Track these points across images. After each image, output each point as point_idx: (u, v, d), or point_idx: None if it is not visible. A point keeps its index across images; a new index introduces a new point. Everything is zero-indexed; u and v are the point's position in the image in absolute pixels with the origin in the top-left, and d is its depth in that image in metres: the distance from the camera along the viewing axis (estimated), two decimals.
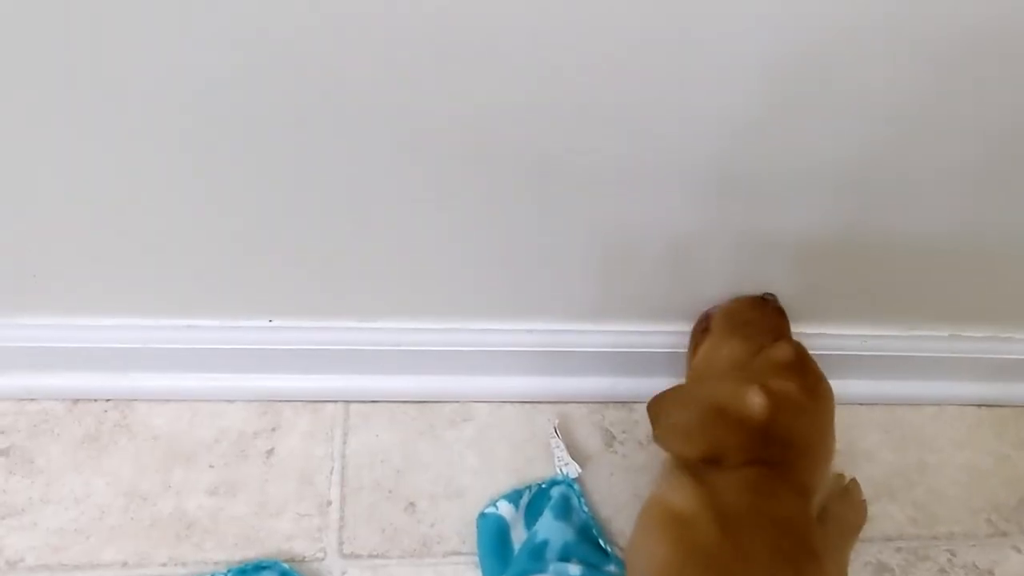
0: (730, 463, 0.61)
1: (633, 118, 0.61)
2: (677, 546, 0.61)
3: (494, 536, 0.75)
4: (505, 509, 0.76)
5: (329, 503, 0.78)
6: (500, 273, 0.75)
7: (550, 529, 0.73)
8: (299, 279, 0.74)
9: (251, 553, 0.74)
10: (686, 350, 0.77)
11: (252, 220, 0.68)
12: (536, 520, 0.75)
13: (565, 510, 0.75)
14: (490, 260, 0.73)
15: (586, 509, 0.77)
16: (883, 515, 0.82)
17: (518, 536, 0.75)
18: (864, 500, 0.79)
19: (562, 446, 0.80)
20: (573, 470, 0.78)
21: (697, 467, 0.62)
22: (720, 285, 0.76)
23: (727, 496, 0.60)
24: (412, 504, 0.78)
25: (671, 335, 0.80)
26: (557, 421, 0.83)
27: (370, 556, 0.75)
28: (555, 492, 0.77)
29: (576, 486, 0.78)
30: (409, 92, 0.58)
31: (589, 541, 0.75)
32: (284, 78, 0.56)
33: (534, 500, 0.78)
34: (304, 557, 0.74)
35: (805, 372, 0.66)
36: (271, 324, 0.78)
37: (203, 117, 0.59)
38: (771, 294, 0.75)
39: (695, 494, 0.61)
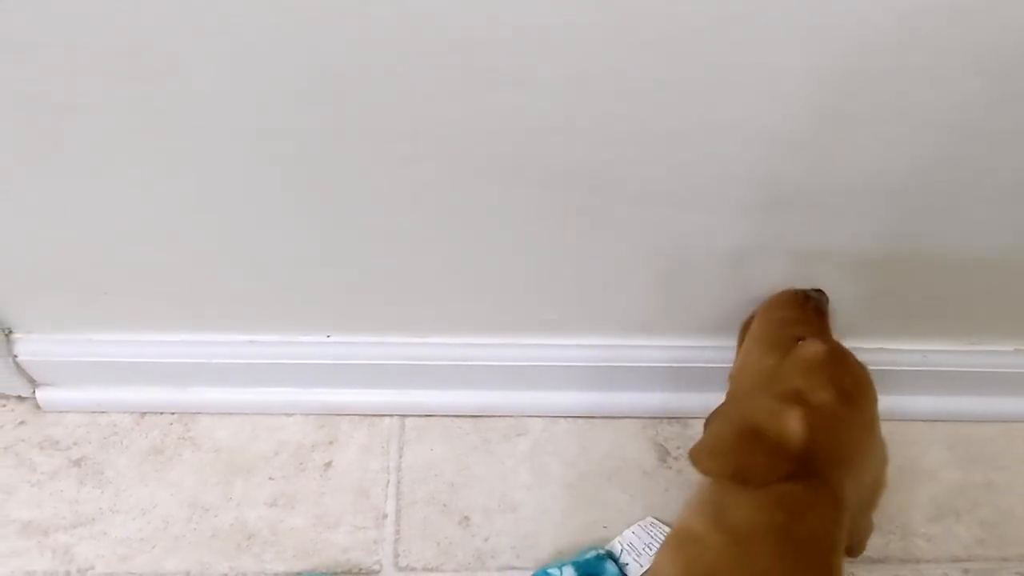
0: (757, 483, 0.56)
1: (684, 135, 0.59)
2: (687, 567, 0.57)
3: None
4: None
5: (385, 516, 0.76)
6: (554, 289, 0.73)
7: None
8: (357, 295, 0.74)
9: (309, 565, 0.73)
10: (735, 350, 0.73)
11: (312, 239, 0.67)
12: None
13: None
14: (545, 276, 0.72)
15: None
16: (948, 535, 0.78)
17: None
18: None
19: (654, 545, 0.76)
20: (635, 570, 0.74)
21: (726, 485, 0.58)
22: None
23: (748, 515, 0.56)
24: (466, 518, 0.77)
25: (725, 350, 0.77)
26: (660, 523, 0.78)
27: (425, 569, 0.74)
28: (611, 567, 0.73)
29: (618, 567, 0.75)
30: (466, 114, 0.57)
31: None
32: (343, 100, 0.56)
33: (595, 562, 0.74)
34: (360, 569, 0.73)
35: (843, 372, 0.61)
36: (329, 339, 0.78)
37: (262, 141, 0.59)
38: (819, 290, 0.71)
39: (713, 513, 0.57)
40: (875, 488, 0.62)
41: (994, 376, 0.82)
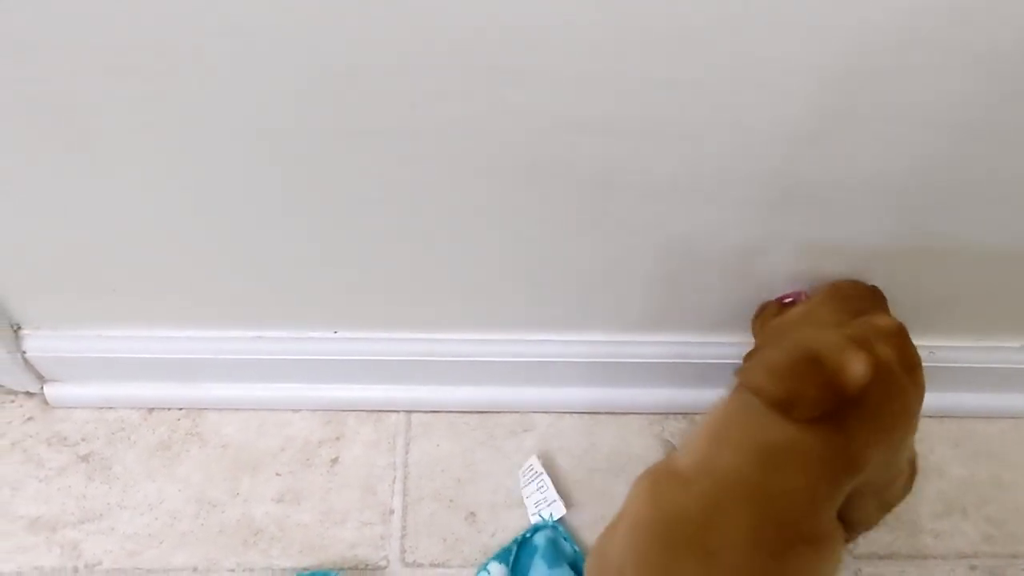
0: (801, 413, 0.54)
1: (688, 132, 0.58)
2: (654, 506, 0.56)
3: None
4: (497, 571, 0.73)
5: (391, 512, 0.76)
6: (560, 285, 0.73)
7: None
8: (364, 292, 0.73)
9: (316, 560, 0.73)
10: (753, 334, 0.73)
11: (318, 236, 0.67)
12: (523, 573, 0.72)
13: (555, 554, 0.72)
14: (550, 272, 0.72)
15: (576, 549, 0.74)
16: (956, 532, 0.77)
17: None
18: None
19: (547, 484, 0.75)
20: (559, 509, 0.74)
21: (755, 408, 0.56)
22: (780, 295, 0.73)
23: (738, 458, 0.55)
24: (473, 514, 0.76)
25: (731, 346, 0.77)
26: (537, 459, 0.78)
27: (431, 565, 0.73)
28: (539, 539, 0.73)
29: (561, 527, 0.74)
30: (468, 110, 0.56)
31: None
32: (346, 100, 0.55)
33: (519, 553, 0.74)
34: (367, 565, 0.73)
35: (907, 348, 0.59)
36: (336, 335, 0.77)
37: (268, 140, 0.58)
38: (879, 288, 0.70)
39: (703, 458, 0.56)
40: (894, 476, 0.60)
41: (1002, 372, 0.81)
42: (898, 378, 0.56)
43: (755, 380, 0.56)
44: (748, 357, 0.64)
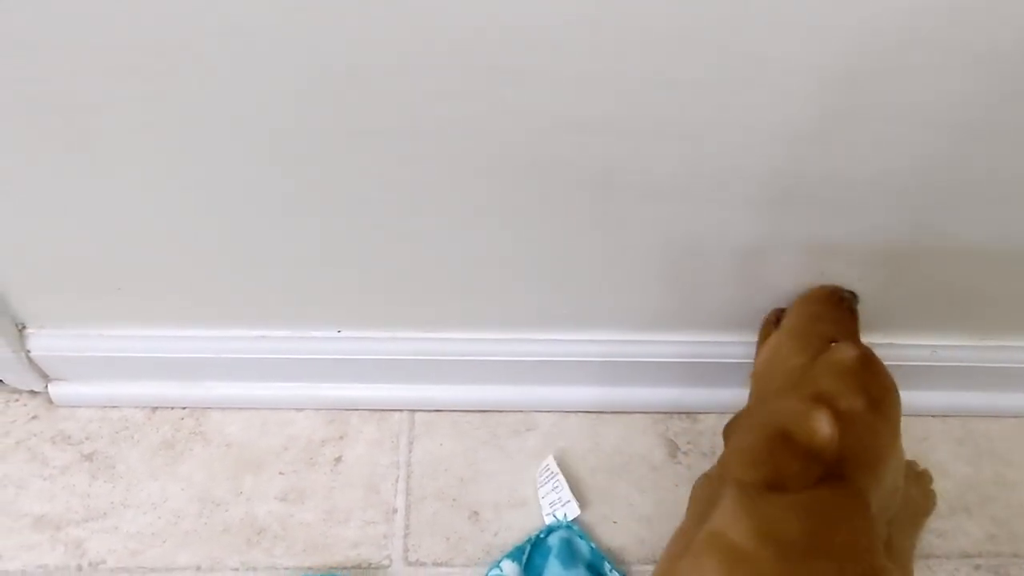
0: (793, 488, 0.55)
1: (693, 130, 0.58)
2: None
3: None
4: (509, 569, 0.72)
5: (395, 511, 0.76)
6: (564, 284, 0.73)
7: None
8: (367, 291, 0.73)
9: (319, 560, 0.73)
10: (756, 347, 0.72)
11: (323, 236, 0.67)
12: (537, 573, 0.71)
13: (571, 555, 0.72)
14: (554, 272, 0.71)
15: (592, 546, 0.73)
16: (959, 531, 0.77)
17: None
18: (933, 490, 0.74)
19: (563, 485, 0.75)
20: (573, 510, 0.74)
21: (754, 493, 0.57)
22: (784, 294, 0.72)
23: (786, 525, 0.54)
24: (476, 513, 0.76)
25: (736, 345, 0.76)
26: (553, 460, 0.77)
27: (434, 564, 0.73)
28: (553, 540, 0.73)
29: (576, 527, 0.74)
30: (469, 109, 0.56)
31: None
32: (350, 100, 0.55)
33: (533, 553, 0.73)
34: (370, 564, 0.73)
35: (871, 378, 0.60)
36: (340, 335, 0.77)
37: (272, 140, 0.58)
38: (852, 292, 0.70)
39: (752, 526, 0.55)
40: (894, 493, 0.61)
41: (1005, 371, 0.81)
42: (865, 420, 0.57)
43: (737, 473, 0.57)
44: (726, 430, 0.64)
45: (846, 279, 0.71)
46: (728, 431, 0.62)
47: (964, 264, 0.71)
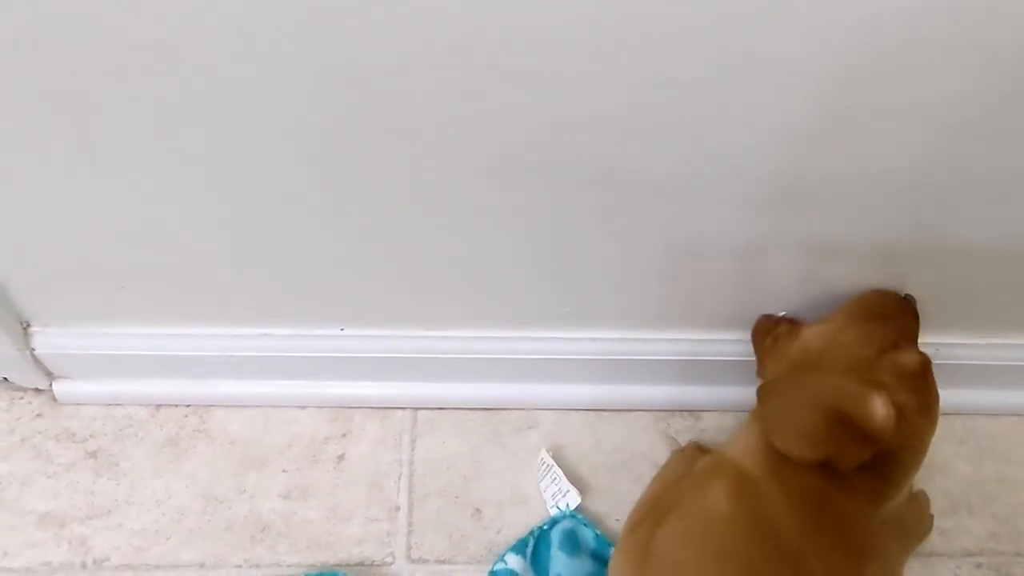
0: (845, 467, 0.55)
1: (693, 130, 0.58)
2: (743, 508, 0.56)
3: None
4: (514, 562, 0.72)
5: (397, 508, 0.75)
6: (565, 282, 0.72)
7: (568, 567, 0.69)
8: (370, 289, 0.73)
9: (323, 557, 0.72)
10: (755, 356, 0.72)
11: (326, 234, 0.66)
12: (543, 566, 0.71)
13: (574, 545, 0.71)
14: (556, 271, 0.71)
15: (598, 532, 0.73)
16: (961, 530, 0.76)
17: None
18: (932, 514, 0.74)
19: (559, 476, 0.75)
20: (574, 498, 0.73)
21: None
22: (785, 292, 0.72)
23: (806, 480, 0.55)
24: (478, 510, 0.76)
25: (737, 343, 0.76)
26: (548, 452, 0.77)
27: (437, 561, 0.73)
28: (556, 532, 0.72)
29: (580, 515, 0.74)
30: (471, 109, 0.56)
31: (606, 565, 0.70)
32: (356, 99, 0.55)
33: (537, 546, 0.73)
34: (373, 562, 0.72)
35: (927, 388, 0.61)
36: (342, 333, 0.77)
37: (276, 139, 0.58)
38: (912, 296, 0.69)
39: (770, 465, 0.57)
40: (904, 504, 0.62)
41: (1007, 369, 0.80)
42: (914, 421, 0.58)
43: (791, 447, 0.57)
44: (763, 389, 0.63)
45: (848, 278, 0.71)
46: (766, 392, 0.62)
47: (965, 263, 0.70)
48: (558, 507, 0.74)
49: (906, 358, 0.60)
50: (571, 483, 0.74)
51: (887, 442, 0.54)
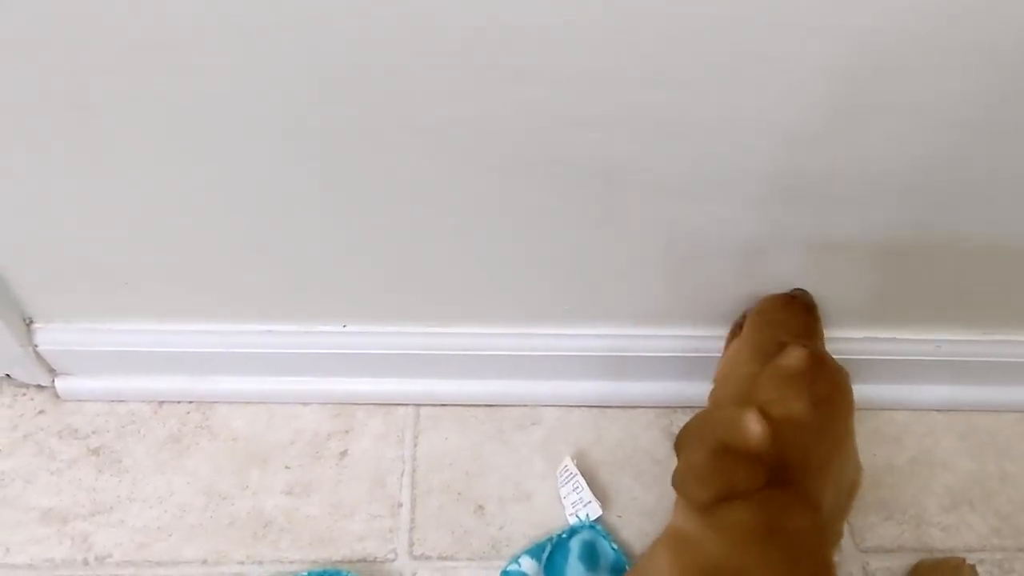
0: (744, 494, 0.54)
1: (695, 129, 0.57)
2: (684, 569, 0.56)
3: None
4: (528, 565, 0.71)
5: (400, 505, 0.75)
6: (568, 279, 0.72)
7: None
8: (372, 286, 0.72)
9: (325, 553, 0.72)
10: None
11: (328, 231, 0.66)
12: (558, 574, 0.70)
13: (594, 558, 0.70)
14: (558, 267, 0.70)
15: (615, 547, 0.72)
16: (963, 525, 0.76)
17: None
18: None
19: (582, 485, 0.74)
20: (595, 510, 0.72)
21: (709, 504, 0.56)
22: (786, 289, 0.71)
23: (739, 517, 0.54)
24: (481, 507, 0.75)
25: None
26: (572, 460, 0.76)
27: (440, 558, 0.72)
28: (576, 542, 0.71)
29: (600, 527, 0.73)
30: (477, 106, 0.55)
31: None
32: (359, 97, 0.54)
33: (554, 553, 0.71)
34: (376, 558, 0.72)
35: (817, 378, 0.59)
36: (345, 329, 0.76)
37: (279, 136, 0.57)
38: (800, 289, 0.69)
39: (704, 520, 0.55)
40: (850, 493, 0.60)
41: (1008, 365, 0.80)
42: (803, 420, 0.56)
43: (689, 494, 0.57)
44: (681, 438, 0.62)
45: (849, 274, 0.70)
46: (680, 442, 0.60)
47: (966, 260, 0.70)
48: (578, 516, 0.73)
49: (785, 359, 0.59)
50: (593, 495, 0.73)
51: (778, 454, 0.54)
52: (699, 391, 0.80)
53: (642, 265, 0.70)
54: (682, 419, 0.81)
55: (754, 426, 0.54)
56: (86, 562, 0.71)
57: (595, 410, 0.82)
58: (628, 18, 0.50)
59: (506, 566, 0.71)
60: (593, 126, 0.57)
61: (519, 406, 0.81)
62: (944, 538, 0.75)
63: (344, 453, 0.78)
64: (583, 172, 0.61)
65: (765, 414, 0.55)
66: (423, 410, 0.81)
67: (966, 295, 0.74)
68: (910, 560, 0.74)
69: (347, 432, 0.79)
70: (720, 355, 0.70)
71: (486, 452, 0.78)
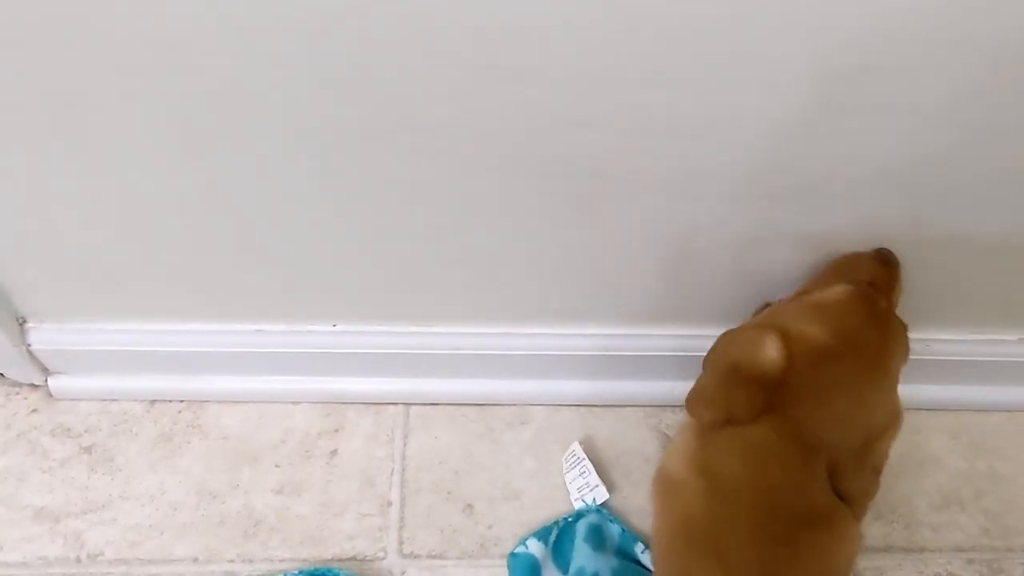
0: (742, 419, 0.53)
1: (690, 127, 0.56)
2: (669, 516, 0.55)
3: None
4: (535, 547, 0.70)
5: (390, 504, 0.74)
6: (559, 278, 0.71)
7: (593, 561, 0.68)
8: (363, 286, 0.71)
9: (315, 552, 0.71)
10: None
11: (318, 230, 0.65)
12: (564, 557, 0.69)
13: (600, 539, 0.70)
14: (549, 266, 0.69)
15: (623, 528, 0.71)
16: (953, 525, 0.75)
17: (550, 575, 0.69)
18: None
19: (589, 469, 0.73)
20: (602, 494, 0.72)
21: (707, 430, 0.55)
22: (777, 288, 0.70)
23: (722, 461, 0.53)
24: (470, 506, 0.74)
25: None
26: (579, 444, 0.76)
27: (429, 556, 0.71)
28: (582, 525, 0.71)
29: (605, 511, 0.72)
30: (467, 105, 0.54)
31: (632, 562, 0.69)
32: (351, 97, 0.54)
33: (561, 536, 0.71)
34: (365, 556, 0.71)
35: (852, 316, 0.56)
36: (335, 329, 0.75)
37: (271, 136, 0.57)
38: (886, 249, 0.65)
39: (690, 458, 0.55)
40: (878, 436, 0.57)
41: (998, 365, 0.78)
42: (825, 346, 0.54)
43: (697, 413, 0.56)
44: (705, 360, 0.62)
45: None
46: (704, 359, 0.60)
47: (958, 258, 0.69)
48: (584, 501, 0.72)
49: (827, 292, 0.57)
50: (600, 479, 0.73)
51: (788, 380, 0.52)
52: (689, 390, 0.80)
53: (632, 263, 0.69)
54: (673, 418, 0.81)
55: (770, 349, 0.52)
56: (78, 560, 0.70)
57: (584, 409, 0.81)
58: (628, 18, 0.49)
59: (514, 548, 0.71)
60: (586, 125, 0.56)
61: (509, 405, 0.81)
62: (934, 537, 0.74)
63: (334, 452, 0.77)
64: (574, 171, 0.60)
65: (786, 338, 0.53)
66: (413, 409, 0.80)
67: (958, 294, 0.73)
68: (900, 560, 0.73)
69: (337, 431, 0.78)
70: (704, 353, 0.69)
71: (476, 451, 0.78)
